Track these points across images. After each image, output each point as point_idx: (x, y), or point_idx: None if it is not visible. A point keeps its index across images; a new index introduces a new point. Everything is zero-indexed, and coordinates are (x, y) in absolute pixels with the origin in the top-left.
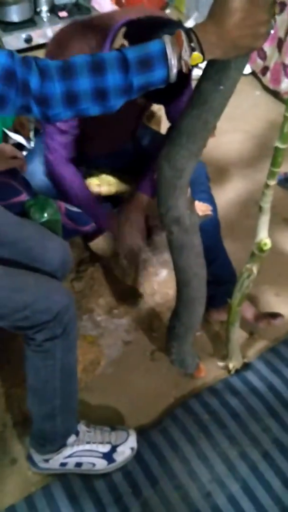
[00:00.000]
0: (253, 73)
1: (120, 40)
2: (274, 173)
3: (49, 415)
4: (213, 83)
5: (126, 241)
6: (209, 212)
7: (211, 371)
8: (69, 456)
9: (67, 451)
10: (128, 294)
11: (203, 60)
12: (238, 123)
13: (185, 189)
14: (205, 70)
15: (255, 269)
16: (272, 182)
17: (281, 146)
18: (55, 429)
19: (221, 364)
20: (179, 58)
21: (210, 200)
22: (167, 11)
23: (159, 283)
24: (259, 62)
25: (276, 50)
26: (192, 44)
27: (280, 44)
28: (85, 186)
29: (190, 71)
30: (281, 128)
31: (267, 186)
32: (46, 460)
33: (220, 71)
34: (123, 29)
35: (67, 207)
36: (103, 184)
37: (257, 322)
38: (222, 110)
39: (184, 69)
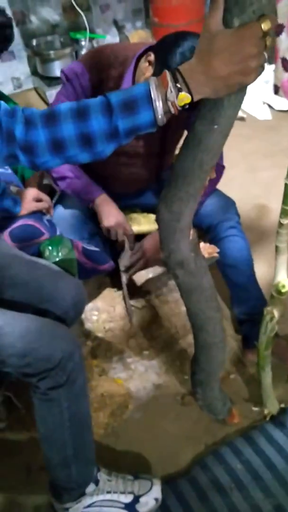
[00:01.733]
0: None
1: (145, 62)
2: (286, 211)
3: (62, 464)
4: (207, 122)
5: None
6: (216, 254)
7: (246, 416)
8: (89, 505)
9: (87, 501)
10: (160, 335)
11: (192, 100)
12: (277, 159)
13: (186, 231)
14: (199, 109)
15: (276, 312)
16: (286, 221)
17: None
18: (70, 478)
19: (256, 409)
20: (165, 100)
21: (241, 236)
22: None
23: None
24: None
25: None
26: (178, 85)
27: None
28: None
29: (179, 111)
30: None
31: (281, 225)
32: (66, 509)
33: (213, 109)
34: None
35: (84, 246)
36: (133, 223)
37: None
38: (219, 150)
39: (173, 111)
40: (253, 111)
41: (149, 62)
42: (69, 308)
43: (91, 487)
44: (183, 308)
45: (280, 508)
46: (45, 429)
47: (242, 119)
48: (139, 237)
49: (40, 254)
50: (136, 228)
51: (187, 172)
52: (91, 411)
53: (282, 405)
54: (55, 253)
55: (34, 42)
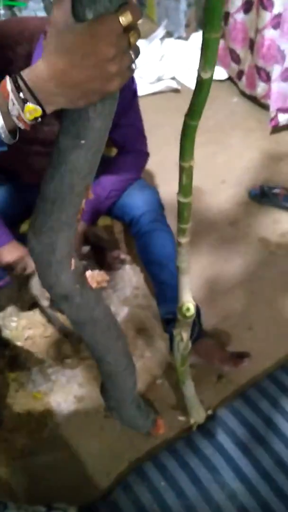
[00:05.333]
0: (230, 79)
1: None
2: (183, 230)
3: None
4: (71, 137)
5: None
6: (105, 284)
7: (172, 426)
8: None
9: None
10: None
11: (45, 113)
12: (212, 134)
13: (66, 262)
14: (61, 121)
15: (184, 335)
16: (184, 240)
17: (183, 200)
18: None
19: (182, 418)
20: (8, 114)
21: (165, 230)
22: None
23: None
24: (234, 66)
25: (249, 51)
26: (22, 95)
27: (251, 45)
28: None
29: (34, 126)
30: (179, 180)
31: (179, 244)
32: None
33: (77, 122)
34: None
35: None
36: None
37: (222, 364)
38: (91, 170)
39: (22, 126)
40: (188, 82)
41: None
42: None
43: None
44: (111, 308)
45: None
46: None
47: (177, 90)
48: None
49: None
50: None
51: (56, 196)
52: (5, 432)
53: (209, 412)
54: None
55: None
